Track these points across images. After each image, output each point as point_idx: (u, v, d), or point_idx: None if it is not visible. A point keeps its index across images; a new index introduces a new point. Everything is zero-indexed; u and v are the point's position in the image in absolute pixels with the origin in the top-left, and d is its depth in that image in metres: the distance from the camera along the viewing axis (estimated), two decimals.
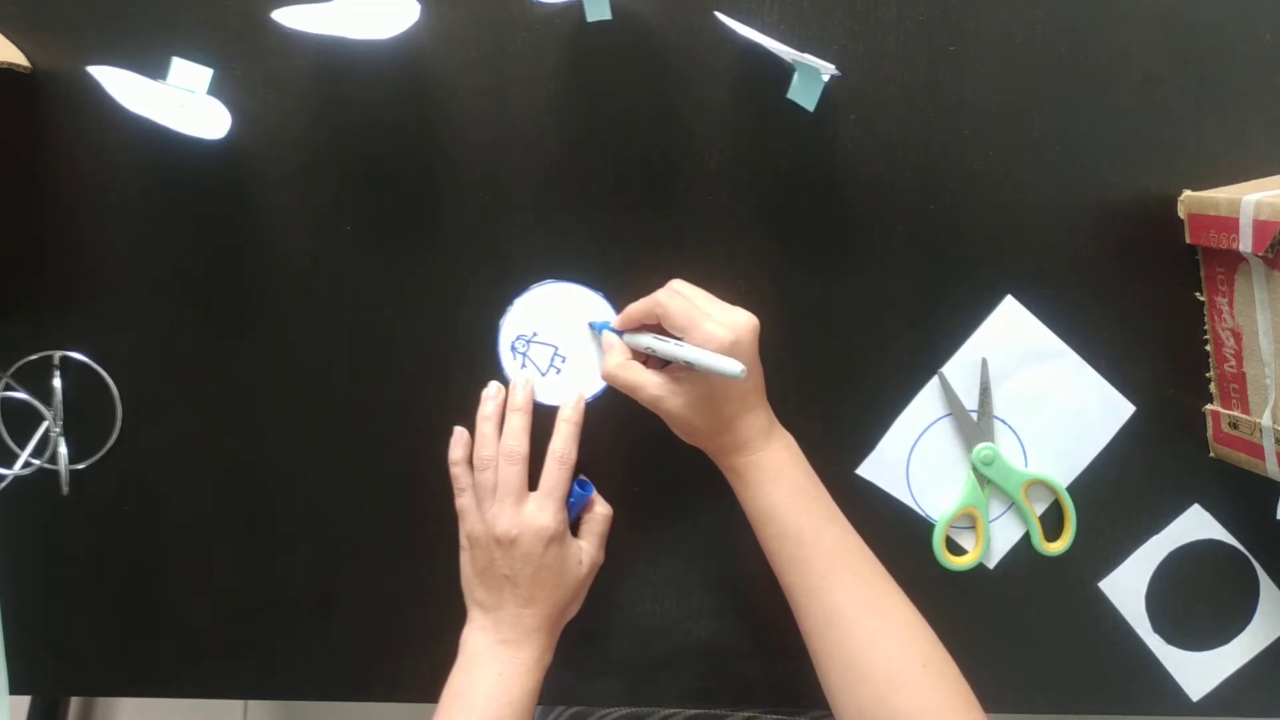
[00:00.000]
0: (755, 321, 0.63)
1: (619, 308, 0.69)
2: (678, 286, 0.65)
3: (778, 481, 0.63)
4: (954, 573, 0.72)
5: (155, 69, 0.64)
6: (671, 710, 0.79)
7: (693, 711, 0.79)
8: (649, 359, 0.66)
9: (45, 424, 0.71)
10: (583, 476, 0.69)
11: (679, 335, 0.62)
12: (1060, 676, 0.73)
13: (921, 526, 0.72)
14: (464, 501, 0.68)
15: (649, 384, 0.64)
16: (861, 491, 0.71)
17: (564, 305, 0.70)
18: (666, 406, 0.63)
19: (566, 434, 0.68)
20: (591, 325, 0.69)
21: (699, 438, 0.65)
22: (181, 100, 0.63)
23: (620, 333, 0.67)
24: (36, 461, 0.71)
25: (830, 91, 0.67)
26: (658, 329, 0.65)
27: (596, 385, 0.70)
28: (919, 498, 0.72)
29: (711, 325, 0.61)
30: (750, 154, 0.68)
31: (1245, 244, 0.61)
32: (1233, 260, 0.64)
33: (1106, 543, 0.72)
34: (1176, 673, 0.73)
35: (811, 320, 0.70)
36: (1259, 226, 0.59)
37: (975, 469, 0.71)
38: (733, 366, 0.58)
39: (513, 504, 0.65)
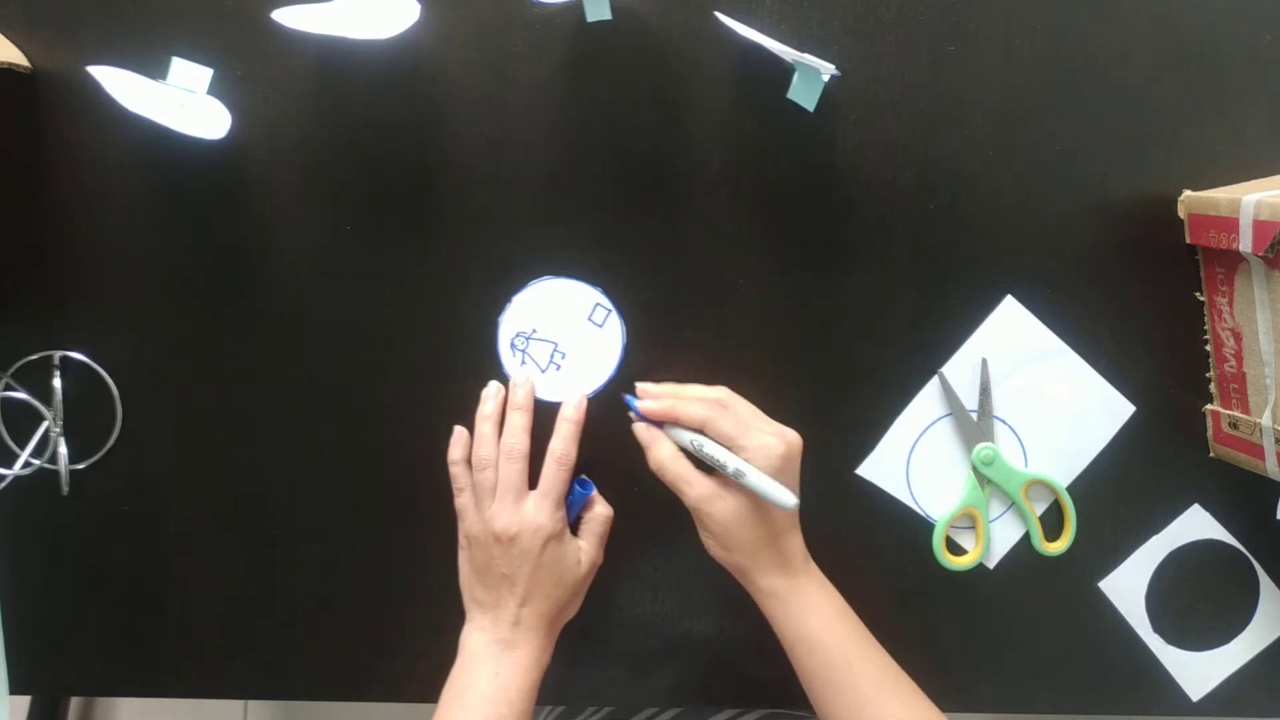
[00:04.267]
0: (800, 440, 0.62)
1: (618, 305, 0.69)
2: (728, 401, 0.63)
3: (821, 607, 0.63)
4: (954, 573, 0.72)
5: (155, 69, 0.64)
6: (668, 709, 0.79)
7: (690, 711, 0.79)
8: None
9: (45, 424, 0.71)
10: (583, 476, 0.69)
11: (724, 442, 0.61)
12: (1060, 676, 0.73)
13: (921, 526, 0.72)
14: (463, 501, 0.68)
15: (699, 484, 0.62)
16: (861, 491, 0.71)
17: (563, 301, 0.70)
18: (712, 509, 0.61)
19: (567, 434, 0.68)
20: (625, 398, 0.66)
21: (736, 551, 0.62)
22: (181, 100, 0.63)
23: (659, 423, 0.64)
24: (36, 461, 0.71)
25: (830, 91, 0.67)
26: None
27: (596, 383, 0.70)
28: (919, 498, 0.72)
29: (766, 436, 0.60)
30: (750, 154, 0.68)
31: (1245, 244, 0.61)
32: (1233, 260, 0.64)
33: (1106, 543, 0.72)
34: (1176, 673, 0.73)
35: (812, 320, 0.70)
36: (1259, 226, 0.59)
37: (975, 469, 0.71)
38: (787, 498, 0.58)
39: (512, 502, 0.65)
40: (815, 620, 0.62)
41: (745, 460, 0.60)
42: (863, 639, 0.63)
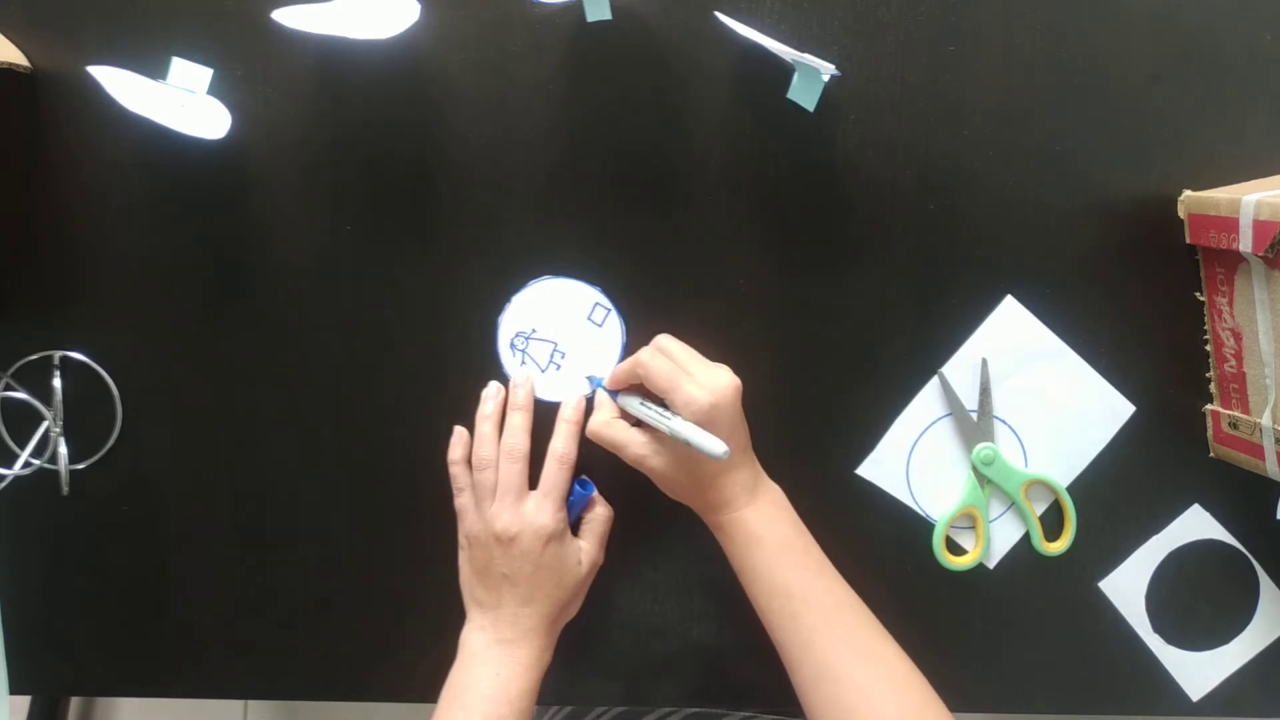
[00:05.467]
0: (737, 382, 0.64)
1: (618, 305, 0.69)
2: (662, 343, 0.66)
3: (762, 539, 0.63)
4: (954, 573, 0.72)
5: (155, 69, 0.64)
6: (668, 709, 0.79)
7: (690, 710, 0.79)
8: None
9: (45, 424, 0.71)
10: (584, 476, 0.69)
11: (661, 396, 0.63)
12: (1060, 676, 0.73)
13: (921, 526, 0.72)
14: (463, 501, 0.68)
15: (633, 443, 0.65)
16: (861, 491, 0.71)
17: (562, 301, 0.70)
18: (650, 465, 0.64)
19: (567, 434, 0.68)
20: (589, 380, 0.70)
21: (683, 495, 0.65)
22: (181, 100, 0.63)
23: (614, 392, 0.68)
24: (36, 461, 0.71)
25: (830, 91, 0.67)
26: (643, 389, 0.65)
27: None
28: (919, 498, 0.72)
29: (692, 388, 0.61)
30: (750, 154, 0.68)
31: (1245, 244, 0.61)
32: (1233, 260, 0.64)
33: (1106, 543, 0.72)
34: (1176, 673, 0.73)
35: (811, 320, 0.70)
36: (1259, 226, 0.59)
37: (975, 469, 0.71)
38: (716, 447, 0.59)
39: (512, 502, 0.65)
40: (758, 551, 0.63)
41: (675, 414, 0.62)
42: (806, 567, 0.63)
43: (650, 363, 0.64)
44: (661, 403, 0.64)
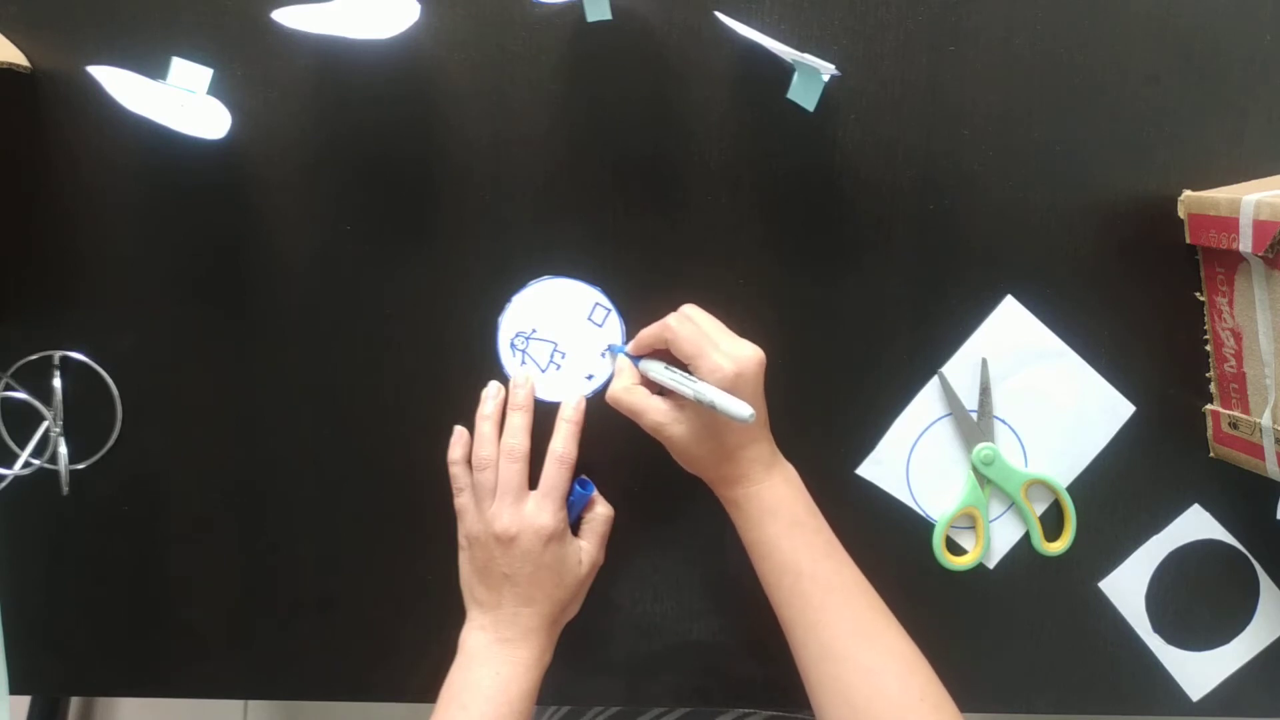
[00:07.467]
0: (761, 355, 0.63)
1: (618, 305, 0.69)
2: (689, 312, 0.66)
3: (776, 515, 0.63)
4: (954, 573, 0.72)
5: (155, 69, 0.64)
6: (666, 709, 0.79)
7: (688, 710, 0.79)
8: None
9: (45, 424, 0.71)
10: (584, 476, 0.69)
11: (686, 362, 0.63)
12: (1060, 676, 0.73)
13: (921, 526, 0.72)
14: (463, 501, 0.68)
15: (652, 410, 0.64)
16: (861, 491, 0.71)
17: (562, 301, 0.70)
18: (669, 433, 0.64)
19: (567, 433, 0.68)
20: (610, 348, 0.70)
21: (699, 466, 0.65)
22: (181, 100, 0.63)
23: (635, 358, 0.67)
24: (36, 461, 0.71)
25: (830, 91, 0.67)
26: (668, 354, 0.65)
27: (596, 383, 0.70)
28: (919, 498, 0.72)
29: (717, 356, 0.61)
30: (750, 154, 0.68)
31: (1245, 244, 0.61)
32: (1233, 260, 0.64)
33: (1106, 543, 0.72)
34: (1176, 673, 0.73)
35: (812, 320, 0.70)
36: (1259, 226, 0.59)
37: (975, 469, 0.71)
38: (741, 410, 0.58)
39: (512, 502, 0.65)
40: (771, 528, 0.63)
41: (700, 380, 0.61)
42: (816, 546, 0.63)
43: (678, 328, 0.64)
44: (685, 370, 0.64)
